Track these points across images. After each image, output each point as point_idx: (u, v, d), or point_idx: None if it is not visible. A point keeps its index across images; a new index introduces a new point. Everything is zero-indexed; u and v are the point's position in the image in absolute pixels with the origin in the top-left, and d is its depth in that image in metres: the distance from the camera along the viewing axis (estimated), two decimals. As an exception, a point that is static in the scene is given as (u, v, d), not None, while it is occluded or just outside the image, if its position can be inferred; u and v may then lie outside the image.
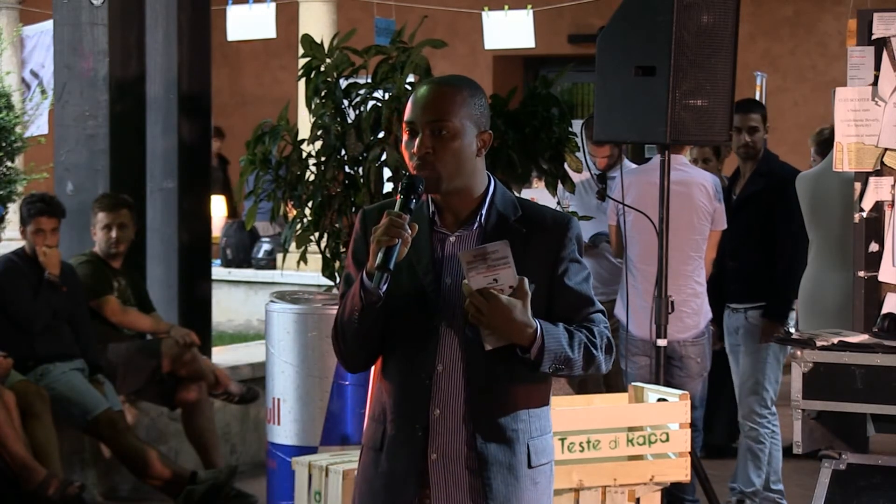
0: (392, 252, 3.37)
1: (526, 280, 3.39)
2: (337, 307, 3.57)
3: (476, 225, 3.54)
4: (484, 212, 3.54)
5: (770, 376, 7.47)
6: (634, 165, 8.00)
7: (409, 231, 3.39)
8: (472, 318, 3.39)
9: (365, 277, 3.41)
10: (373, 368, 4.38)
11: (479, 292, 3.36)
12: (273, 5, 12.55)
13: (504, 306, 3.36)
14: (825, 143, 7.91)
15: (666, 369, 6.81)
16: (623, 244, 7.31)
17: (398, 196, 3.45)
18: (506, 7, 12.58)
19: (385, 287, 3.40)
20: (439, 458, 3.49)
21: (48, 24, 10.45)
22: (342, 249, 7.04)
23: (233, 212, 15.02)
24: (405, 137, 3.53)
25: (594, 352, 3.50)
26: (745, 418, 7.53)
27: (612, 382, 8.01)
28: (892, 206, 6.10)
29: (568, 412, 5.47)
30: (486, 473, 3.48)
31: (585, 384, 8.12)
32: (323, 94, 6.92)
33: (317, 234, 7.02)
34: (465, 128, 3.49)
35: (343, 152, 6.90)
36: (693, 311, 7.22)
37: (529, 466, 3.53)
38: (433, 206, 3.56)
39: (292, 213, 7.03)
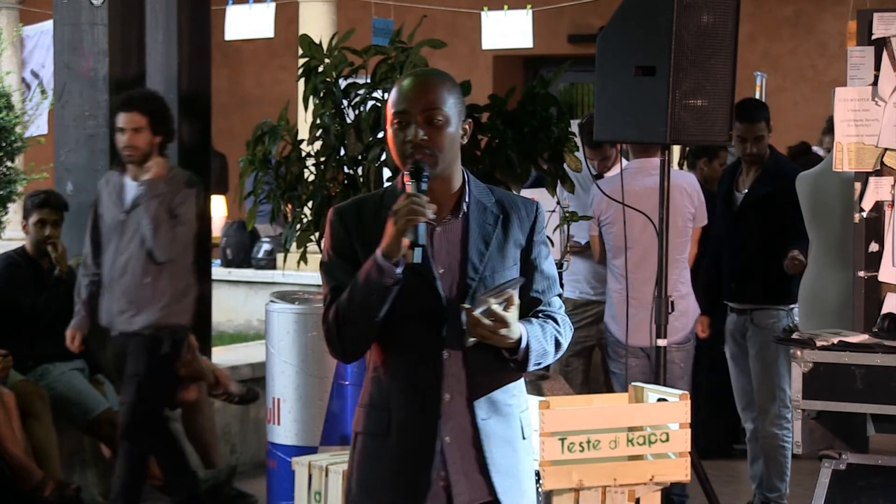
0: (419, 229, 3.49)
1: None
2: (330, 305, 3.62)
3: (461, 213, 3.65)
4: (467, 199, 3.66)
5: (785, 376, 7.30)
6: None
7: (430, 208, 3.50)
8: (481, 338, 3.49)
9: (381, 260, 3.48)
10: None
11: (486, 314, 3.46)
12: (273, 5, 12.53)
13: (508, 324, 3.50)
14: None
15: (648, 375, 6.80)
16: (605, 252, 7.40)
17: (406, 179, 3.54)
18: (505, 7, 12.56)
19: (401, 269, 3.50)
20: (453, 440, 3.61)
21: (48, 24, 10.45)
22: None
23: None
24: (394, 127, 3.61)
25: (561, 340, 3.70)
26: (771, 425, 7.37)
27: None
28: (892, 206, 6.09)
29: (568, 412, 5.47)
30: (490, 448, 3.62)
31: (588, 384, 8.14)
32: (322, 94, 6.92)
33: (317, 234, 7.01)
34: (453, 115, 3.61)
35: (343, 152, 6.89)
36: (680, 313, 7.20)
37: (523, 438, 3.71)
38: None
39: (290, 210, 7.03)
